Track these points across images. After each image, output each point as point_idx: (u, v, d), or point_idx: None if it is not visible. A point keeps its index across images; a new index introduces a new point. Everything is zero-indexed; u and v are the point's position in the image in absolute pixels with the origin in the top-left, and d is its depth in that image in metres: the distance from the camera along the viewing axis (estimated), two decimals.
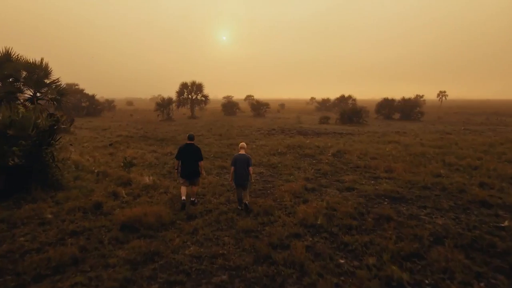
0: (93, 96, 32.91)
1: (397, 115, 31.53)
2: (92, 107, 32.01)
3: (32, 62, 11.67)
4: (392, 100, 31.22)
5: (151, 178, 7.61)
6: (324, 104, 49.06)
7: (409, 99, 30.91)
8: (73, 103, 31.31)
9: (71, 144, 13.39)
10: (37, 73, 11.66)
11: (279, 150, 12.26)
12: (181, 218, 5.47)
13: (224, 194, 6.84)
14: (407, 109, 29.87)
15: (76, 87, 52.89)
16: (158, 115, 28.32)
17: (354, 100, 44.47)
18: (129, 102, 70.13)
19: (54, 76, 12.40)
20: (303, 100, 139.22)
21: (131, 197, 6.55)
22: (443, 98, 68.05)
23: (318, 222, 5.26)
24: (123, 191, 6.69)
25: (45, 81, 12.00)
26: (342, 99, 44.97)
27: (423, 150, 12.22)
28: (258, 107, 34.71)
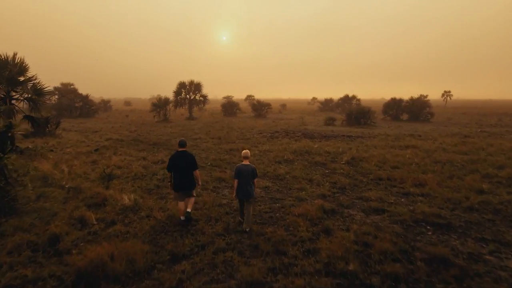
0: (86, 96, 31.47)
1: (405, 116, 30.11)
2: (85, 107, 30.57)
3: (4, 57, 10.26)
4: (400, 100, 29.78)
5: (132, 196, 6.17)
6: (327, 104, 47.59)
7: (418, 99, 29.46)
8: (66, 104, 29.93)
9: (51, 150, 11.97)
10: (10, 69, 10.26)
11: (286, 157, 10.83)
12: (162, 259, 4.04)
13: (222, 219, 5.41)
14: (416, 110, 28.42)
15: (72, 86, 51.64)
16: (154, 116, 26.90)
17: (359, 100, 43.01)
18: (127, 102, 68.69)
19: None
20: (304, 100, 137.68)
21: (103, 224, 5.13)
22: (448, 98, 66.60)
23: (350, 268, 3.83)
24: (93, 216, 5.27)
25: (20, 78, 10.61)
26: (346, 99, 43.51)
27: (449, 157, 10.78)
28: (260, 107, 33.27)
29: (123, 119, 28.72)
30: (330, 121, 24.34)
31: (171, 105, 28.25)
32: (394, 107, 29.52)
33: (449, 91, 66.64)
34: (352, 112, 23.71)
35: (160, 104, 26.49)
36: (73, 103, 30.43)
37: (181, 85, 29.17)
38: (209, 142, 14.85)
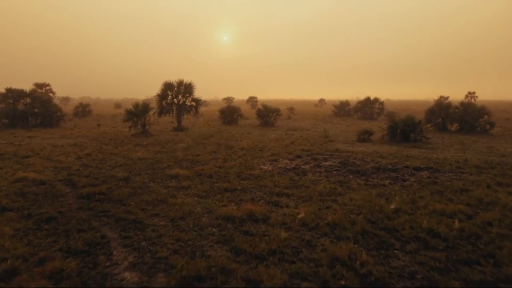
0: (48, 100, 25.05)
1: (452, 125, 23.69)
2: (48, 114, 24.20)
3: None
4: (448, 106, 23.33)
5: None
6: (343, 108, 41.14)
7: (471, 104, 22.99)
8: (21, 110, 23.56)
9: None
10: None
11: (358, 260, 4.44)
12: None
13: None
14: (470, 118, 21.95)
15: (48, 87, 45.28)
16: (129, 127, 20.48)
17: (382, 103, 36.49)
18: (117, 105, 62.28)
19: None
20: (308, 101, 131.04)
21: None
22: (472, 100, 60.02)
23: None
24: None
25: None
26: (366, 103, 36.99)
27: None
28: (266, 114, 26.83)
29: (91, 130, 22.28)
30: (365, 136, 17.92)
31: (152, 112, 21.85)
32: (441, 114, 23.04)
33: (474, 92, 60.09)
34: (397, 124, 17.24)
35: (137, 112, 20.06)
36: (31, 109, 24.05)
37: (167, 86, 22.74)
38: (190, 189, 8.41)
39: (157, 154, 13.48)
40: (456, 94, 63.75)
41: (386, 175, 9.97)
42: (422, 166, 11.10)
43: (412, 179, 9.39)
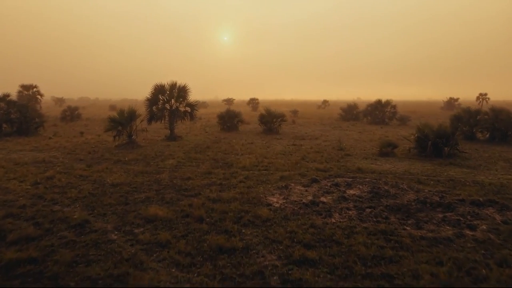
0: (25, 106, 22.37)
1: (480, 133, 21.00)
2: (25, 120, 21.58)
3: None
4: (476, 112, 20.64)
5: None
6: (351, 111, 38.43)
7: (503, 109, 20.29)
8: None
9: None
10: None
11: None
12: None
13: None
14: (503, 126, 19.27)
15: (35, 89, 42.63)
16: (114, 136, 17.82)
17: (394, 107, 33.73)
18: (112, 107, 59.59)
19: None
20: (310, 102, 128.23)
21: None
22: (484, 102, 57.22)
23: None
24: None
25: None
26: (377, 106, 34.22)
27: None
28: (270, 120, 24.16)
29: (71, 140, 19.63)
30: (387, 148, 15.25)
31: (141, 118, 19.21)
32: (469, 122, 20.35)
33: (486, 94, 57.28)
34: (428, 136, 14.57)
35: (122, 120, 17.40)
36: (6, 115, 21.39)
37: (158, 90, 20.07)
38: (169, 248, 5.73)
39: (138, 176, 10.80)
40: (457, 94, 61.26)
41: (441, 216, 7.30)
42: (482, 200, 8.41)
43: (483, 227, 6.71)
